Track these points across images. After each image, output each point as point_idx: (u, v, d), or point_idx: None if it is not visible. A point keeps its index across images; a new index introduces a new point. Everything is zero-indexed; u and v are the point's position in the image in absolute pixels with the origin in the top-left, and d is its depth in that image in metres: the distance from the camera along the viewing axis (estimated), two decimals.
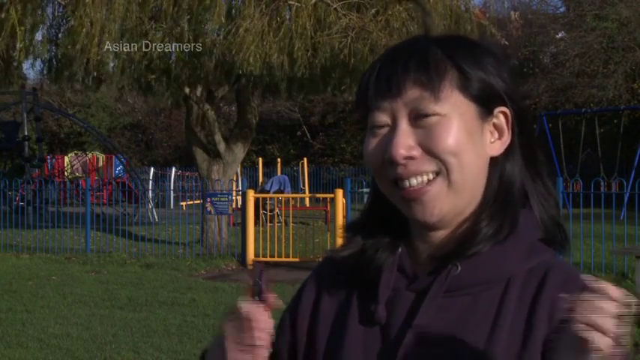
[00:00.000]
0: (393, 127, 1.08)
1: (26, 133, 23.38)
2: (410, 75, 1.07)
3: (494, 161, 1.11)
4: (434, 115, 1.06)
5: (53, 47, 13.11)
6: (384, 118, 1.08)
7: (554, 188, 1.17)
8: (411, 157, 1.06)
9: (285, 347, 1.21)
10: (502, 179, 1.11)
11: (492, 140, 1.11)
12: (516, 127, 1.11)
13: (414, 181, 1.07)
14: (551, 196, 1.15)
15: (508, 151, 1.11)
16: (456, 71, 1.07)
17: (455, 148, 1.05)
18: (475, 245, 1.07)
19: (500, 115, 1.10)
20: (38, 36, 12.81)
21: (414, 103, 1.06)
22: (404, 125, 1.07)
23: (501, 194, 1.10)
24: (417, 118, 1.06)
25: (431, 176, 1.06)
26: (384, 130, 1.09)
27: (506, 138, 1.11)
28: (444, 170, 1.06)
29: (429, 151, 1.06)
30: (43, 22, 12.60)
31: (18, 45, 12.22)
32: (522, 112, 1.12)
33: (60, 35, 13.16)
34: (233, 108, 24.17)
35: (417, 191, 1.06)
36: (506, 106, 1.10)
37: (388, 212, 1.14)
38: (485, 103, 1.09)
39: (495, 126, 1.11)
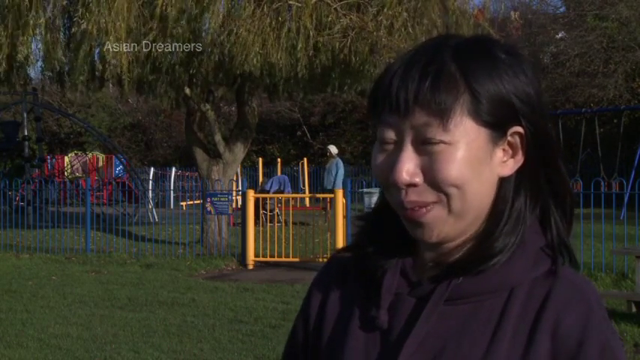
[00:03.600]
0: (399, 145, 1.05)
1: (26, 133, 23.36)
2: (419, 97, 1.03)
3: (507, 179, 1.08)
4: (440, 142, 1.03)
5: (56, 48, 13.08)
6: (390, 134, 1.06)
7: (571, 211, 1.13)
8: (413, 185, 1.04)
9: (299, 351, 1.22)
10: (514, 198, 1.08)
11: (505, 159, 1.08)
12: (532, 146, 1.08)
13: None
14: (566, 219, 1.12)
15: (522, 169, 1.08)
16: (468, 95, 1.03)
17: (457, 179, 1.03)
18: (487, 261, 1.06)
19: (515, 135, 1.07)
20: (40, 37, 12.80)
21: (421, 128, 1.03)
22: (408, 148, 1.04)
23: (514, 213, 1.08)
24: (423, 143, 1.04)
25: (430, 207, 1.05)
26: (391, 147, 1.07)
27: (520, 157, 1.08)
28: (444, 199, 1.04)
29: (431, 180, 1.04)
30: (46, 25, 12.58)
31: (22, 47, 12.22)
32: (540, 130, 1.08)
33: (63, 37, 13.14)
34: (233, 108, 24.14)
35: (417, 212, 1.05)
36: (521, 124, 1.07)
37: (396, 216, 1.12)
38: (497, 126, 1.06)
39: (510, 144, 1.08)
